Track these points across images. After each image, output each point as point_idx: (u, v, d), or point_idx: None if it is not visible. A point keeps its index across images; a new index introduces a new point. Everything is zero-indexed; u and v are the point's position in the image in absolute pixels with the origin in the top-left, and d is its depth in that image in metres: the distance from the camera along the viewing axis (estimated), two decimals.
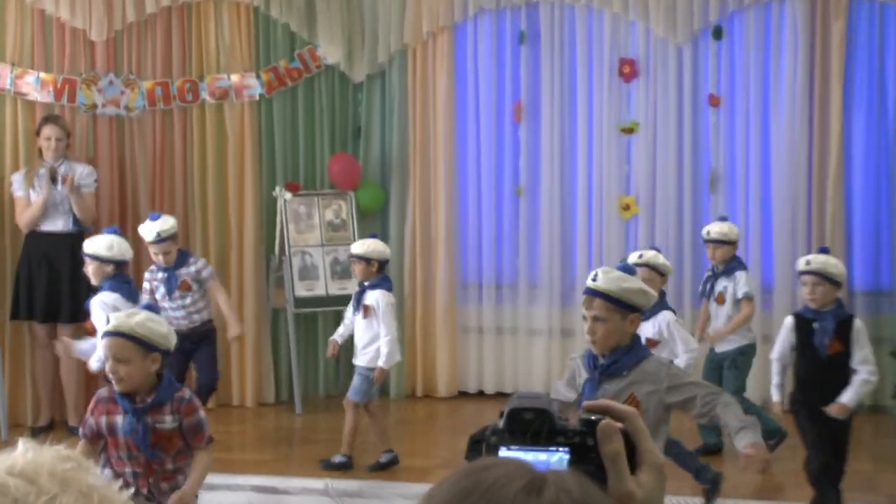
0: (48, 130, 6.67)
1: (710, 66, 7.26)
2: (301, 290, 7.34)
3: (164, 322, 3.79)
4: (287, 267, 7.32)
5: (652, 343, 5.13)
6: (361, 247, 5.80)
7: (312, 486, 5.69)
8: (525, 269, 7.56)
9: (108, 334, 3.68)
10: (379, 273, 5.78)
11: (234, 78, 7.35)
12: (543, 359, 7.54)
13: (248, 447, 6.68)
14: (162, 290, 6.09)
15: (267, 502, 5.47)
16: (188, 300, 6.10)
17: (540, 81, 7.46)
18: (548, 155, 7.46)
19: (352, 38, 7.61)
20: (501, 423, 1.03)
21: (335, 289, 7.42)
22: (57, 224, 6.72)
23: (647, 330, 5.13)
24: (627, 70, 7.33)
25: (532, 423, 1.02)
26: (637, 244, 7.34)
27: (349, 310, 5.98)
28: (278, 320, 7.61)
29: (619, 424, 1.03)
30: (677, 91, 7.27)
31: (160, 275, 6.11)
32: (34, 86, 6.97)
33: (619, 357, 3.58)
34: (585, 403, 1.05)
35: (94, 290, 6.65)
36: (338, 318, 7.33)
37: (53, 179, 6.70)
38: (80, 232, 6.70)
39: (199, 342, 6.12)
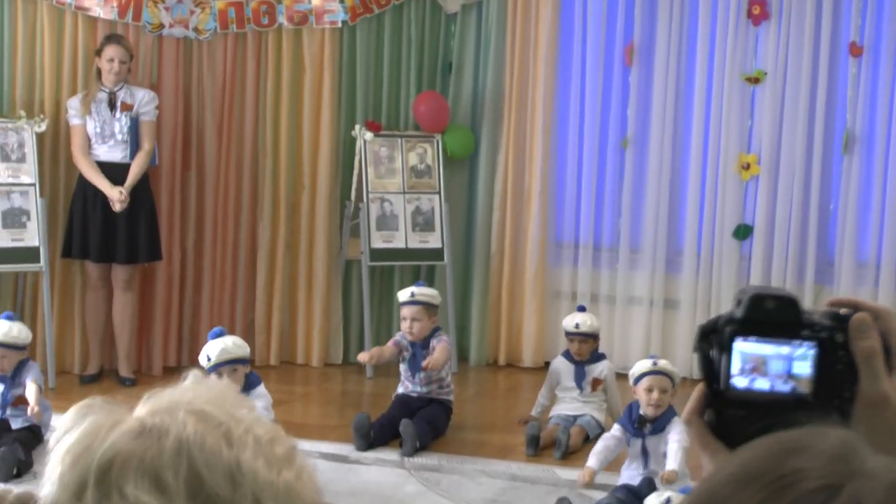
0: (112, 51, 6.52)
1: (854, 9, 6.88)
2: (378, 242, 7.15)
3: None
4: (364, 215, 7.13)
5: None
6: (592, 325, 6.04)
7: (387, 457, 5.54)
8: (627, 231, 7.30)
9: None
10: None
11: (316, 1, 7.11)
12: (642, 331, 7.30)
13: (313, 411, 6.56)
14: (405, 364, 6.00)
15: (337, 471, 5.29)
16: (433, 375, 5.96)
17: (656, 20, 7.14)
18: (660, 104, 7.16)
19: None
20: (739, 312, 0.98)
21: (416, 242, 7.22)
22: (115, 155, 6.60)
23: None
24: (757, 11, 7.00)
25: (775, 313, 0.97)
26: (756, 208, 7.10)
27: (550, 385, 6.07)
28: (350, 273, 7.45)
29: None
30: (813, 37, 6.91)
31: (408, 349, 5.97)
32: (97, 0, 6.80)
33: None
34: (830, 299, 1.01)
35: (155, 230, 6.70)
36: (416, 275, 7.32)
37: (112, 105, 6.58)
38: None
39: (428, 404, 5.95)
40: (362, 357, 6.03)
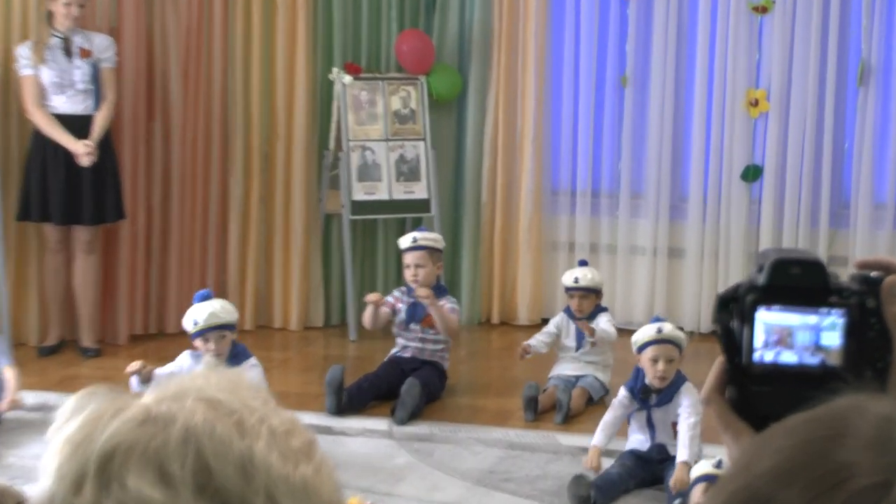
0: None
1: None
2: (359, 193, 7.03)
3: None
4: (344, 165, 7.00)
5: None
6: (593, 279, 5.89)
7: (374, 426, 5.42)
8: (628, 176, 7.20)
9: None
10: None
11: None
12: (646, 282, 7.22)
13: (293, 378, 6.42)
14: (402, 316, 5.92)
15: (321, 443, 4.94)
16: (429, 334, 5.90)
17: None
18: (661, 38, 7.04)
19: None
20: (761, 279, 0.95)
21: (400, 192, 7.12)
22: (76, 106, 6.37)
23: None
24: None
25: (800, 279, 0.94)
26: (765, 148, 6.99)
27: (551, 332, 5.95)
28: (331, 228, 7.35)
29: None
30: None
31: (406, 298, 5.92)
32: None
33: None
34: (858, 260, 0.98)
35: (118, 187, 6.42)
36: (401, 228, 7.20)
37: (68, 52, 6.33)
38: None
39: (420, 367, 5.84)
40: (369, 297, 5.95)
